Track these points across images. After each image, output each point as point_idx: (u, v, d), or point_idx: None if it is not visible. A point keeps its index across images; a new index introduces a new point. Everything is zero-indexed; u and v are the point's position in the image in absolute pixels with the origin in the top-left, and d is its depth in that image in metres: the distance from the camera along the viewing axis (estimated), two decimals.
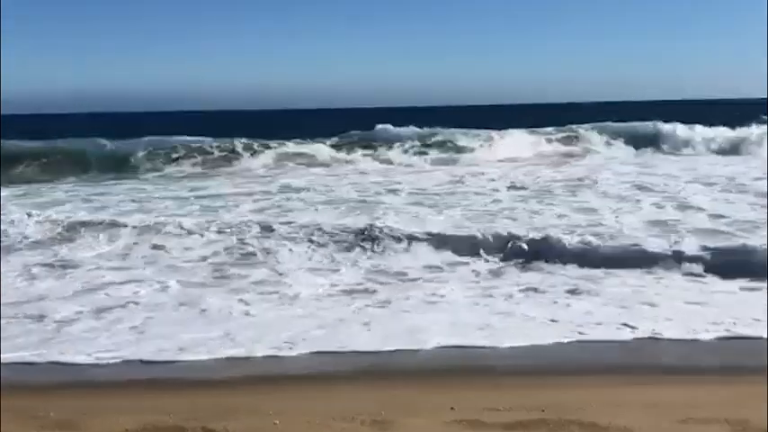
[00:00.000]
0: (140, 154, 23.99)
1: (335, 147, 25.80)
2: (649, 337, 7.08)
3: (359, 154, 25.06)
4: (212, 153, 24.63)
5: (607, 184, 17.42)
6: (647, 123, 29.48)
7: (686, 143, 27.53)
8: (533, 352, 6.81)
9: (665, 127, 28.71)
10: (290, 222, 12.34)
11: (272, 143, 25.51)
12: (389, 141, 26.35)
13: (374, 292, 8.96)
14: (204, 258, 10.82)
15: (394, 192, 17.14)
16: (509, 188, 17.36)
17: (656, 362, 6.64)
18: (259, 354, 6.82)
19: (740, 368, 6.25)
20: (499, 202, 15.25)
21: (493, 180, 18.97)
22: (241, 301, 8.58)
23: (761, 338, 6.91)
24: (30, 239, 11.98)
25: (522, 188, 17.28)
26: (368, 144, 26.25)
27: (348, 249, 10.93)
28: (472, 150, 25.98)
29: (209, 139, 25.61)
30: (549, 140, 27.86)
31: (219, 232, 11.95)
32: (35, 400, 5.62)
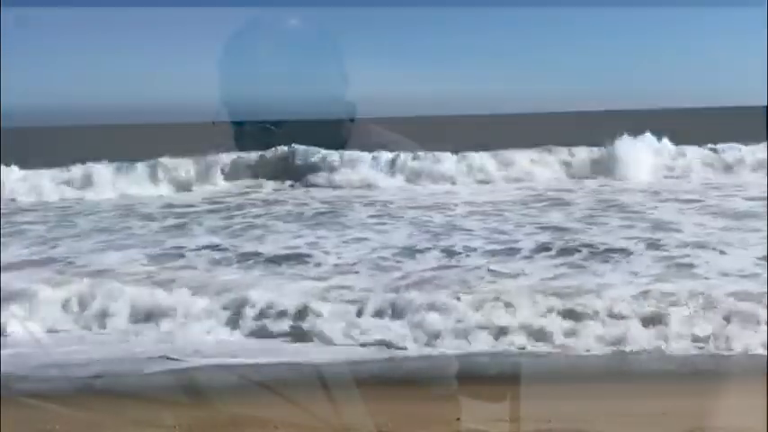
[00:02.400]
0: None
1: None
2: (655, 348, 7.06)
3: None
4: None
5: None
6: None
7: None
8: (539, 362, 6.79)
9: None
10: None
11: None
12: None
13: None
14: None
15: None
16: None
17: (662, 371, 6.62)
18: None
19: (741, 377, 6.25)
20: None
21: None
22: None
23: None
24: None
25: None
26: None
27: None
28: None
29: None
30: None
31: None
32: (39, 411, 5.60)
